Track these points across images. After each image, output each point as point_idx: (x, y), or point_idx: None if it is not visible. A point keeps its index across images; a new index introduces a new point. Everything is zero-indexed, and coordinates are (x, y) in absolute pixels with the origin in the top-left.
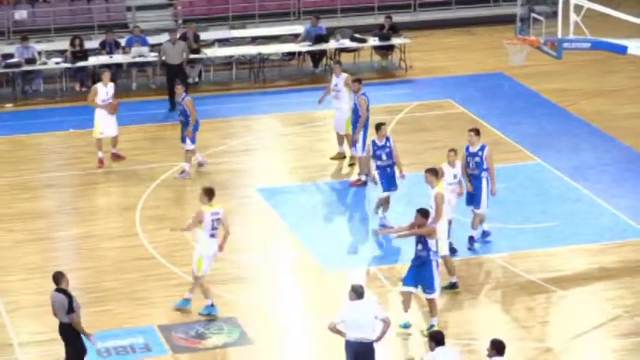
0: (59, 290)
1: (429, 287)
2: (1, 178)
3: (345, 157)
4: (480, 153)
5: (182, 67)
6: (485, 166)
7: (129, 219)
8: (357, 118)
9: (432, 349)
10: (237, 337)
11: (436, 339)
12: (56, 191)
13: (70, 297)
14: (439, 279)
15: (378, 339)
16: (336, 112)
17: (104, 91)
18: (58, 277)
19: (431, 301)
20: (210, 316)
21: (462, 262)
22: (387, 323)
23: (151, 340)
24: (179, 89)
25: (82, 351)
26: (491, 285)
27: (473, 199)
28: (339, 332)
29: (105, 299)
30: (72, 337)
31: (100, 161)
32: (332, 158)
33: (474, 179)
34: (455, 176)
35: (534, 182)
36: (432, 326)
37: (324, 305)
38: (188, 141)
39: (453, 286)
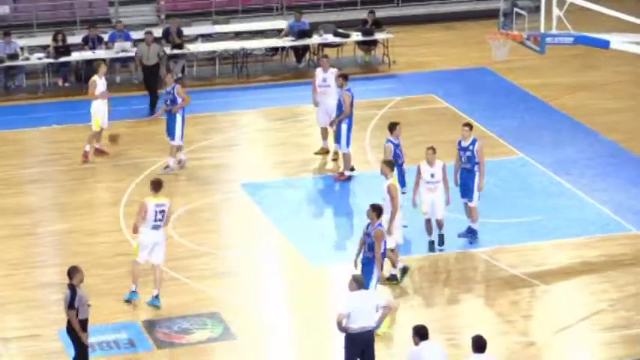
0: (69, 285)
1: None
2: None
3: (328, 152)
4: (471, 147)
5: (158, 69)
6: (477, 160)
7: (113, 214)
8: (340, 114)
9: (416, 344)
10: (220, 333)
11: (420, 333)
12: (40, 187)
13: (73, 292)
14: (377, 278)
15: (378, 324)
16: (321, 106)
17: (101, 82)
18: (70, 272)
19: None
20: (131, 301)
21: (445, 257)
22: (387, 308)
23: (135, 336)
24: (169, 78)
25: (84, 348)
26: (474, 279)
27: (466, 191)
28: (345, 330)
29: (89, 295)
30: (74, 334)
31: (86, 155)
32: (316, 153)
33: (467, 173)
34: (432, 175)
35: (517, 177)
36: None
37: (309, 301)
38: (177, 136)
39: (392, 279)
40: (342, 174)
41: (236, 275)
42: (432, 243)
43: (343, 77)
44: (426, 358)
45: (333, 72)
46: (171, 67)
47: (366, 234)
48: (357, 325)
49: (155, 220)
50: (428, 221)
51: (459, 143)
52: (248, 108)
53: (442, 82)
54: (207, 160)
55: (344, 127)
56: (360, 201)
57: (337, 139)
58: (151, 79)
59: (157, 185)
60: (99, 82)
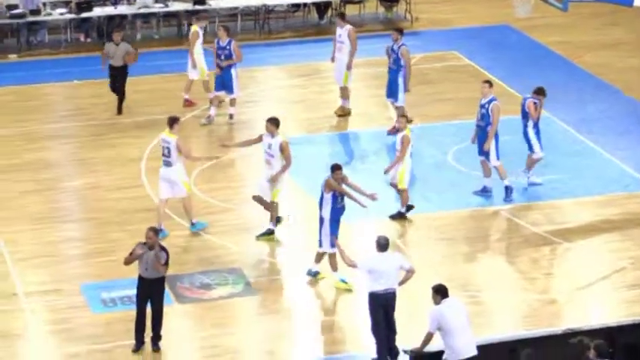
0: (159, 245)
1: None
2: (7, 128)
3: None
4: (487, 105)
5: (125, 71)
6: (490, 120)
7: (134, 170)
8: (399, 70)
9: (437, 303)
10: (241, 289)
11: (441, 292)
12: (61, 142)
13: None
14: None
15: (400, 284)
16: (336, 62)
17: (201, 33)
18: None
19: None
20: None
21: (466, 215)
22: (411, 272)
23: None
24: (222, 33)
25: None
26: (496, 237)
27: (481, 149)
28: (353, 266)
29: (110, 250)
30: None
31: (190, 102)
32: (336, 113)
33: (480, 131)
34: (395, 144)
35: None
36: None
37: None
38: (236, 88)
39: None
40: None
41: (257, 231)
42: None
43: (398, 31)
44: (448, 316)
45: (347, 29)
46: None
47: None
48: (380, 286)
49: (163, 156)
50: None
51: (481, 100)
52: (269, 64)
53: (464, 39)
54: (228, 117)
55: (400, 80)
56: (381, 158)
57: (393, 94)
58: (118, 81)
59: (168, 121)
60: (200, 33)
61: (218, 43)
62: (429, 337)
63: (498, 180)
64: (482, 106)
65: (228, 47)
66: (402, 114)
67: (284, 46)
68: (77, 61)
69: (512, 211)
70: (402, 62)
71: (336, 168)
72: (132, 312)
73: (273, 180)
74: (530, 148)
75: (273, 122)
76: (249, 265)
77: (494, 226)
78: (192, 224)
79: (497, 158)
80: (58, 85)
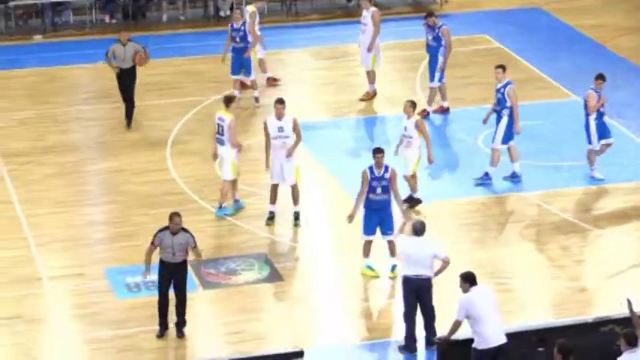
0: (184, 229)
1: (389, 228)
2: (31, 110)
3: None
4: (502, 89)
5: (134, 73)
6: (507, 104)
7: (159, 153)
8: (438, 49)
9: (465, 291)
10: (267, 274)
11: (469, 279)
12: (86, 124)
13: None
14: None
15: (436, 274)
16: (361, 46)
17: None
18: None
19: (391, 242)
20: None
21: (495, 200)
22: (446, 262)
23: None
24: (237, 15)
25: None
26: (525, 223)
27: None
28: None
29: (134, 234)
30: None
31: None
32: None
33: (497, 116)
34: (405, 128)
35: (571, 119)
36: (395, 265)
37: (356, 242)
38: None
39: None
40: (442, 107)
41: (283, 216)
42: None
43: (431, 16)
44: (477, 303)
45: (371, 11)
46: (219, 4)
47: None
48: (411, 271)
49: (216, 133)
50: (405, 178)
51: (496, 85)
52: (296, 47)
53: (495, 22)
54: (253, 100)
55: (441, 59)
56: None
57: (432, 76)
58: (128, 84)
59: (224, 99)
60: (257, 14)
61: (232, 25)
62: (456, 325)
63: (526, 164)
64: (497, 91)
65: (242, 29)
66: (410, 100)
67: (311, 28)
68: (102, 43)
69: (542, 197)
70: (443, 42)
71: (377, 151)
72: (156, 297)
73: (289, 154)
74: (588, 139)
75: (283, 103)
76: (276, 250)
77: (524, 212)
78: (220, 207)
79: (502, 142)
80: (83, 66)
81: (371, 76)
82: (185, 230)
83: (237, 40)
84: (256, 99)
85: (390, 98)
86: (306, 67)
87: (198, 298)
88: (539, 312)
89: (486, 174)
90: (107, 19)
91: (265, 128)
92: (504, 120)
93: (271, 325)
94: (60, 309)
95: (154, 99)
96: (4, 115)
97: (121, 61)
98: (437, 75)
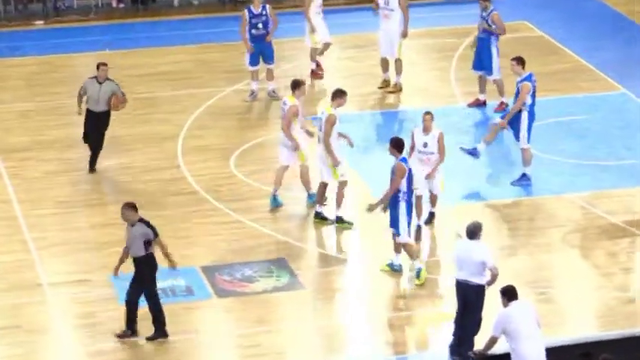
0: (144, 221)
1: (394, 227)
2: (31, 102)
3: (389, 84)
4: (519, 85)
5: (108, 117)
6: (524, 100)
7: (170, 149)
8: (490, 38)
9: (505, 305)
10: (286, 282)
11: (508, 294)
12: None
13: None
14: (407, 220)
15: (488, 284)
16: (382, 33)
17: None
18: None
19: (403, 245)
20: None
21: (536, 203)
22: (492, 272)
23: (193, 283)
24: (257, 0)
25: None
26: (568, 228)
27: (514, 132)
28: None
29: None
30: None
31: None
32: (380, 87)
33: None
34: (425, 144)
35: (618, 114)
36: (419, 270)
37: (382, 246)
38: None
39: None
40: (502, 103)
41: (304, 218)
42: (419, 228)
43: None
44: (516, 320)
45: None
46: None
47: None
48: (459, 275)
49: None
50: (418, 198)
51: (517, 79)
52: None
53: (536, 7)
54: (271, 92)
55: (494, 50)
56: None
57: (484, 66)
58: (97, 131)
59: (291, 84)
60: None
61: (250, 10)
62: (492, 341)
63: (570, 163)
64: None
65: (264, 13)
66: (429, 113)
67: (335, 14)
68: (108, 29)
69: (588, 199)
70: (495, 29)
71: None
72: (166, 306)
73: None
74: None
75: (340, 93)
76: (295, 255)
77: (568, 216)
78: (309, 195)
79: (529, 141)
80: (88, 54)
81: (399, 65)
82: (144, 221)
83: (259, 26)
84: (273, 91)
85: (420, 90)
86: (329, 57)
87: (211, 307)
88: (583, 325)
89: (524, 175)
90: (114, 3)
91: (308, 128)
92: (525, 116)
93: (291, 338)
94: (61, 318)
95: (164, 90)
96: (2, 108)
97: (94, 102)
98: (495, 65)
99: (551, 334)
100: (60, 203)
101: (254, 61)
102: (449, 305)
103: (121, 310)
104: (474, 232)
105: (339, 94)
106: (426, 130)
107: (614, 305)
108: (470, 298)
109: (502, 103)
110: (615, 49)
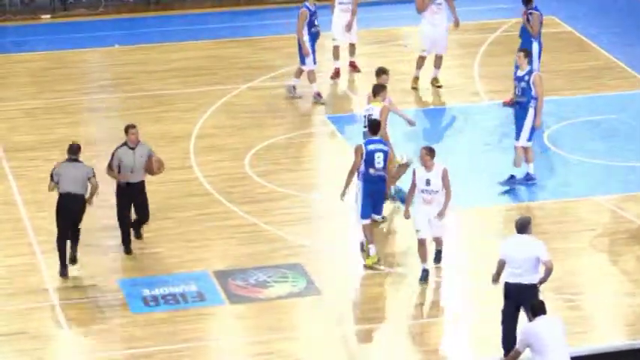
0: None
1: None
2: (38, 99)
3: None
4: (526, 77)
5: (143, 188)
6: (534, 94)
7: (182, 149)
8: (527, 35)
9: (530, 320)
10: (303, 287)
11: (534, 308)
12: (99, 116)
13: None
14: (365, 201)
15: (541, 282)
16: (432, 29)
17: None
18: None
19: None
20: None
21: (563, 205)
22: (547, 266)
23: (206, 288)
24: None
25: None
26: (597, 232)
27: (516, 129)
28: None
29: (153, 241)
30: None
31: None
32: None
33: (519, 107)
34: (428, 182)
35: None
36: (370, 251)
37: (400, 250)
38: (310, 59)
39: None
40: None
41: (321, 221)
42: (425, 272)
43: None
44: (541, 335)
45: None
46: None
47: None
48: (511, 277)
49: (364, 127)
50: (422, 242)
51: (515, 73)
52: None
53: (564, 2)
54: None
55: (535, 47)
56: (462, 137)
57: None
58: (139, 202)
59: (373, 88)
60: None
61: (308, 7)
62: (516, 355)
63: (599, 165)
64: (520, 79)
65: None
66: (428, 148)
67: (363, 7)
68: (118, 24)
69: (617, 202)
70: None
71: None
72: (177, 312)
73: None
74: None
75: (381, 87)
76: (312, 260)
77: (596, 219)
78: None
79: (529, 139)
80: (96, 50)
81: (440, 60)
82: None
83: (316, 23)
84: (293, 87)
85: (445, 87)
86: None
87: (224, 313)
88: (612, 333)
89: (527, 174)
90: None
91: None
92: (531, 113)
93: (307, 346)
94: (68, 324)
95: (177, 87)
96: (8, 105)
97: (128, 172)
98: (535, 65)
99: (579, 343)
100: None
101: (315, 60)
102: (466, 312)
103: (131, 317)
104: (523, 225)
105: (381, 89)
106: (427, 167)
107: None
108: (524, 300)
109: (511, 99)
110: None
